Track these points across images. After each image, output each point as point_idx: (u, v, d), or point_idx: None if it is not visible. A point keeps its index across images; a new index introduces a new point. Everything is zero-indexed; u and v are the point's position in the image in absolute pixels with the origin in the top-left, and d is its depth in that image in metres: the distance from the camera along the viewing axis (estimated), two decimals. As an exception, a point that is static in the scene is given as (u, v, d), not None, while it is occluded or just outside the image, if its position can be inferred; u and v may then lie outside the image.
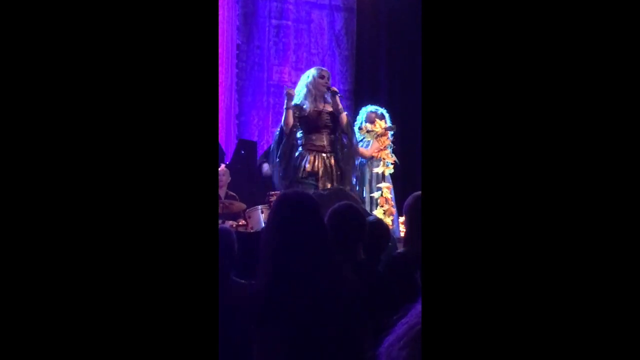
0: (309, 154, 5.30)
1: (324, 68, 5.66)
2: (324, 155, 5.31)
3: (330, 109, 5.33)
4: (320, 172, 5.26)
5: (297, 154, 5.33)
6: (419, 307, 0.96)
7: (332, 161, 5.33)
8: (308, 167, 5.28)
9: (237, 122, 7.76)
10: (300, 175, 5.26)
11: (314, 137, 5.32)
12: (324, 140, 5.33)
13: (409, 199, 3.25)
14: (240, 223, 5.74)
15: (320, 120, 5.29)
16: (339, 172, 5.33)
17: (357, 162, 5.60)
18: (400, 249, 4.01)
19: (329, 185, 5.20)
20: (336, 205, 3.00)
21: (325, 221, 2.75)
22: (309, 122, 5.30)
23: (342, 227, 2.80)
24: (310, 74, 5.41)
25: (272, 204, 2.34)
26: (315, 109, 5.29)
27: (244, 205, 5.89)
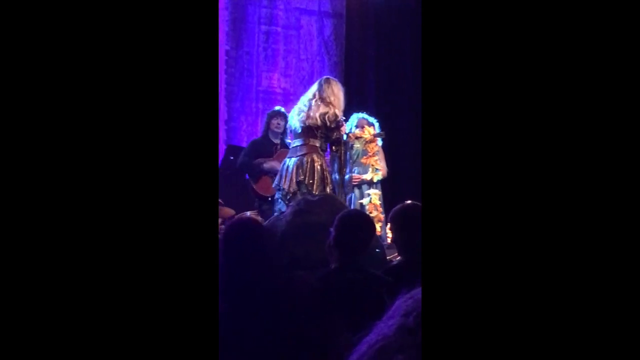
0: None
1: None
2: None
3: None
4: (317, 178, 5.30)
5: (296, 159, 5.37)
6: (380, 325, 0.98)
7: (325, 166, 5.37)
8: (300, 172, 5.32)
9: (225, 127, 7.75)
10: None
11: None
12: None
13: (394, 209, 3.27)
14: (227, 229, 5.72)
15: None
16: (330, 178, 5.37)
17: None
18: (392, 256, 4.02)
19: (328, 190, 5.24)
20: (345, 211, 3.03)
21: (333, 227, 2.77)
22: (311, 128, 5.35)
23: (349, 233, 2.82)
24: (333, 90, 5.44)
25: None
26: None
27: (232, 211, 5.88)
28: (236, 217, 2.41)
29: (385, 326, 0.94)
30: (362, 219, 3.02)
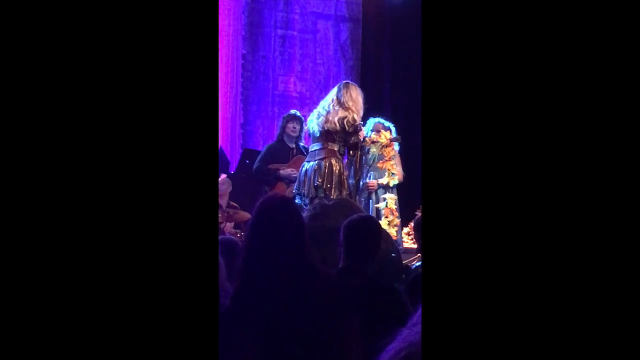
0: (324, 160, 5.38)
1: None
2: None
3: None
4: (334, 181, 5.32)
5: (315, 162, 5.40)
6: (405, 332, 0.97)
7: (343, 170, 5.39)
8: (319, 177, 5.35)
9: (242, 131, 7.79)
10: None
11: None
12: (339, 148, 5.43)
13: (417, 218, 3.27)
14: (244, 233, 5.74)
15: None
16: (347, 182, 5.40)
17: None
18: (408, 261, 4.01)
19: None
20: (353, 216, 3.02)
21: (340, 231, 2.76)
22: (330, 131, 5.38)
23: (357, 239, 2.81)
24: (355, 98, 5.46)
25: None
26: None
27: (247, 215, 5.89)
28: (271, 193, 2.37)
29: (410, 333, 0.93)
30: (368, 225, 2.98)
